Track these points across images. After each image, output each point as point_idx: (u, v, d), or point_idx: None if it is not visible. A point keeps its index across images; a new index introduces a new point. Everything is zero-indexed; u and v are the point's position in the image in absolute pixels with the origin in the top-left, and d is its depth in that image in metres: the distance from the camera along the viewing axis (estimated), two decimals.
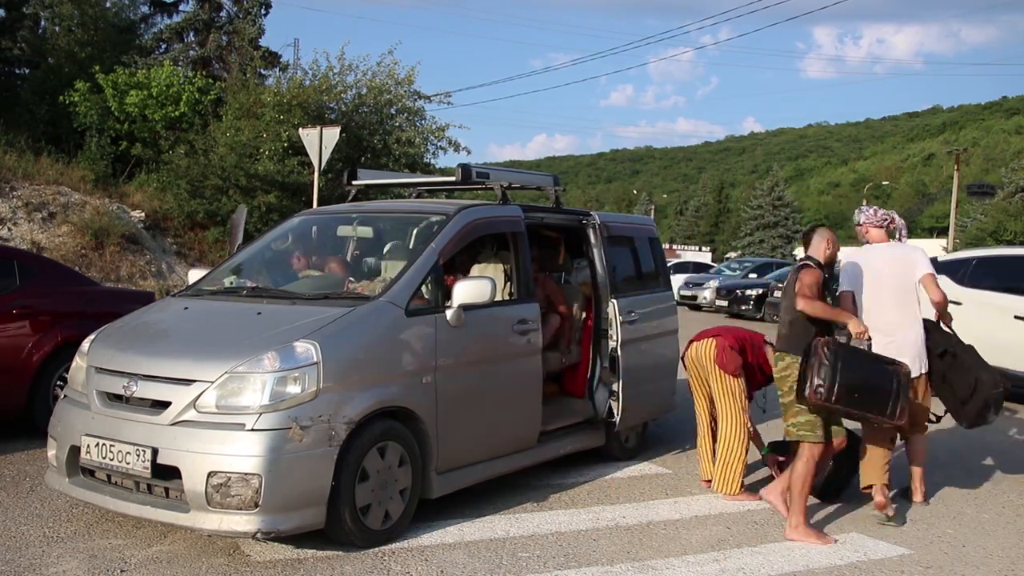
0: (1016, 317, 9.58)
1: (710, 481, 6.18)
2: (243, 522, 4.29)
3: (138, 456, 4.45)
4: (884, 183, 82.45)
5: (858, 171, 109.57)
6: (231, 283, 5.93)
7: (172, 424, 4.45)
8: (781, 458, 6.08)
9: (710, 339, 6.18)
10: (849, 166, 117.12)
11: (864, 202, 55.79)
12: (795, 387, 5.23)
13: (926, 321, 5.97)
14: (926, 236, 71.62)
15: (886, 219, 6.20)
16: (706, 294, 25.22)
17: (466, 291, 5.23)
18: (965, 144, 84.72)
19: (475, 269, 6.41)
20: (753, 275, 27.02)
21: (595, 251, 6.72)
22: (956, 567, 4.87)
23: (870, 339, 5.43)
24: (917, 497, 6.04)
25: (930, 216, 79.49)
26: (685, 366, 6.37)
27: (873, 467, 5.70)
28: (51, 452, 4.98)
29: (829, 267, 5.66)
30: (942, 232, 60.44)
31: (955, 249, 45.82)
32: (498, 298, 5.68)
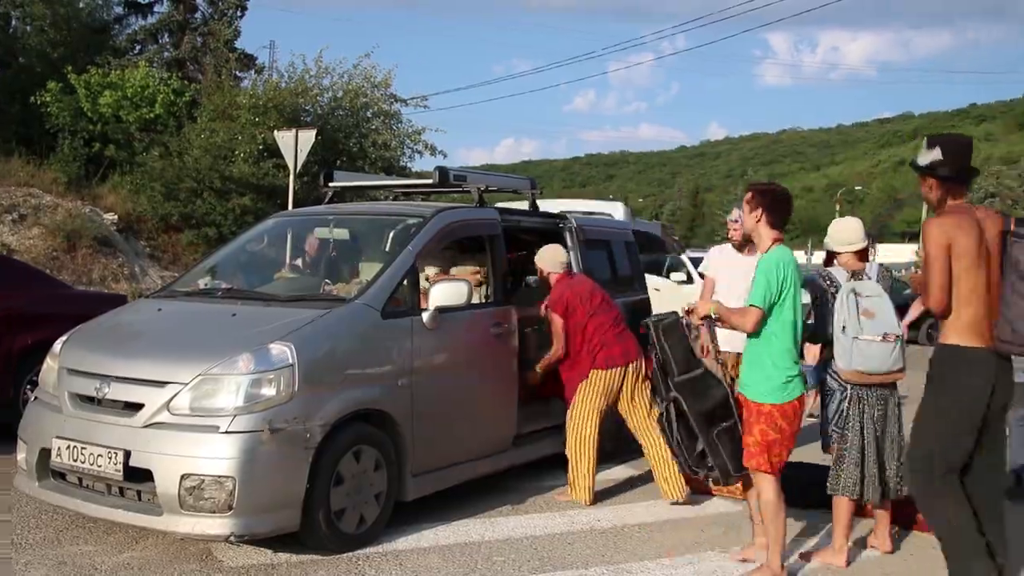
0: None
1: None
2: (216, 525, 4.25)
3: (110, 458, 4.39)
4: (856, 188, 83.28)
5: (831, 176, 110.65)
6: (206, 284, 5.88)
7: (145, 426, 4.40)
8: None
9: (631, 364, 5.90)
10: (822, 171, 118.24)
11: (837, 207, 56.05)
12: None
13: None
14: (898, 241, 72.32)
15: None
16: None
17: (442, 293, 5.21)
18: None
19: (452, 271, 6.40)
20: None
21: (571, 254, 6.72)
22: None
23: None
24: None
25: (902, 221, 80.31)
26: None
27: None
28: (20, 455, 4.91)
29: None
30: (913, 237, 61.02)
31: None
32: (475, 300, 5.68)
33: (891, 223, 78.79)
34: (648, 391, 5.85)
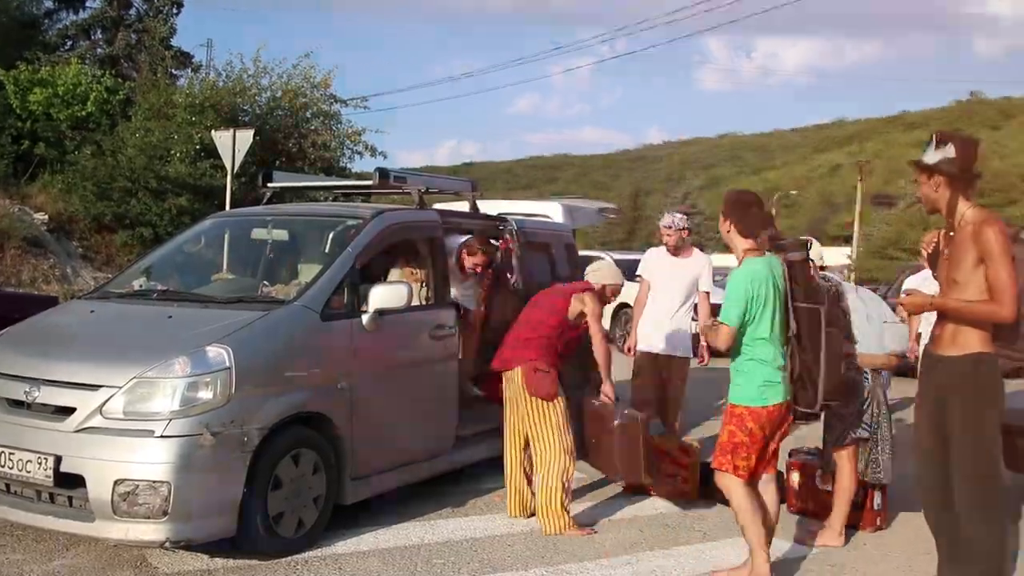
0: None
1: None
2: (151, 531, 4.19)
3: (40, 464, 4.30)
4: (793, 192, 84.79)
5: (769, 180, 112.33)
6: (141, 286, 5.78)
7: (77, 431, 4.32)
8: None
9: (516, 369, 5.50)
10: (760, 176, 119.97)
11: (774, 211, 57.26)
12: None
13: None
14: (832, 244, 73.83)
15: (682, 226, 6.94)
16: None
17: (382, 296, 5.20)
18: (869, 156, 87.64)
19: (393, 274, 6.38)
20: None
21: (512, 256, 6.75)
22: (859, 564, 5.04)
23: None
24: None
25: (836, 225, 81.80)
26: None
27: None
28: None
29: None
30: (847, 241, 62.36)
31: (859, 258, 47.40)
32: (415, 303, 5.67)
33: (826, 227, 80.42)
34: (533, 406, 5.48)
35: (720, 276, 8.44)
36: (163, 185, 17.49)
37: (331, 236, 5.90)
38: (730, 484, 4.43)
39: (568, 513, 5.39)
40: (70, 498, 4.32)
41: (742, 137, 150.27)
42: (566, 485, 5.40)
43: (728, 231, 4.51)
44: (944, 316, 3.97)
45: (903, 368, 7.02)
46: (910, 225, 48.74)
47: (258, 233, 6.40)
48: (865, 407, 5.26)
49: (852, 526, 5.51)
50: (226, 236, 6.51)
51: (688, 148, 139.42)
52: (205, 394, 4.35)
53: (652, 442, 5.78)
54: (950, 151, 3.91)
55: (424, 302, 6.02)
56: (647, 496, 6.16)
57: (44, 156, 19.06)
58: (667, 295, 6.94)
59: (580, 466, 6.82)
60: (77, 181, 17.88)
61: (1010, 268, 3.74)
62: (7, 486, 4.50)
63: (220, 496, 4.36)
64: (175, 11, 26.34)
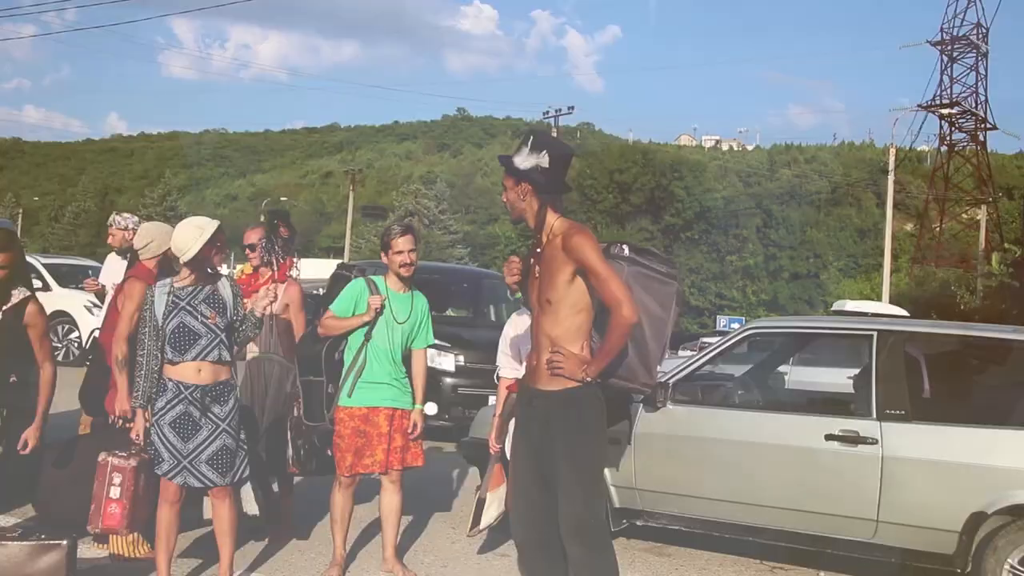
0: None
1: None
2: None
3: None
4: (283, 199, 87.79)
5: (257, 184, 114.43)
6: None
7: None
8: None
9: None
10: (248, 179, 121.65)
11: (262, 218, 59.50)
12: None
13: None
14: (323, 256, 78.43)
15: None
16: None
17: None
18: (361, 165, 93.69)
19: None
20: None
21: None
22: None
23: None
24: None
25: (327, 236, 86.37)
26: None
27: None
28: None
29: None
30: (338, 252, 66.97)
31: None
32: None
33: (318, 238, 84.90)
34: None
35: None
36: None
37: None
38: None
39: None
40: None
41: (228, 135, 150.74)
42: None
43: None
44: (538, 346, 4.02)
45: None
46: None
47: None
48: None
49: None
50: None
51: (167, 143, 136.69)
52: None
53: None
54: (544, 159, 3.92)
55: None
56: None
57: None
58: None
59: None
60: None
61: (611, 268, 3.88)
62: None
63: None
64: None
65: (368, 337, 5.49)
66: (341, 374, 5.53)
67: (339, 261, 57.40)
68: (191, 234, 4.91)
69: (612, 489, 6.25)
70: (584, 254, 3.85)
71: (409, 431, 5.59)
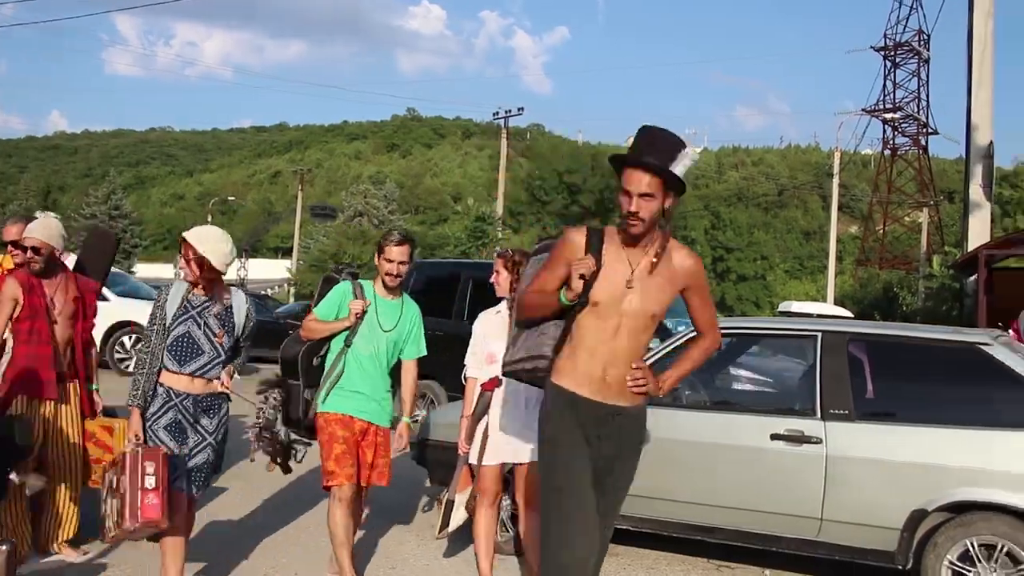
0: None
1: None
2: None
3: None
4: (231, 198, 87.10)
5: (204, 184, 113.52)
6: None
7: None
8: None
9: None
10: (195, 178, 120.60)
11: (210, 218, 58.75)
12: None
13: None
14: (272, 256, 77.95)
15: None
16: None
17: None
18: (310, 164, 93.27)
19: None
20: None
21: None
22: None
23: None
24: None
25: (276, 236, 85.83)
26: None
27: None
28: None
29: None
30: (287, 252, 66.53)
31: (299, 271, 51.22)
32: None
33: (266, 238, 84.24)
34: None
35: None
36: None
37: None
38: None
39: None
40: None
41: (175, 133, 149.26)
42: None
43: None
44: (614, 359, 3.71)
45: None
46: (349, 238, 54.07)
47: None
48: None
49: None
50: None
51: (111, 141, 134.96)
52: None
53: None
54: (687, 159, 3.60)
55: None
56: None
57: None
58: None
59: None
60: None
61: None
62: None
63: None
64: None
65: (348, 343, 5.25)
66: (320, 379, 5.31)
67: (286, 263, 56.59)
68: (228, 248, 4.73)
69: None
70: (703, 278, 3.87)
71: (395, 445, 5.43)
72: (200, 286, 4.74)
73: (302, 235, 60.29)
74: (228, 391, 4.85)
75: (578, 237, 3.71)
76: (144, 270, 58.60)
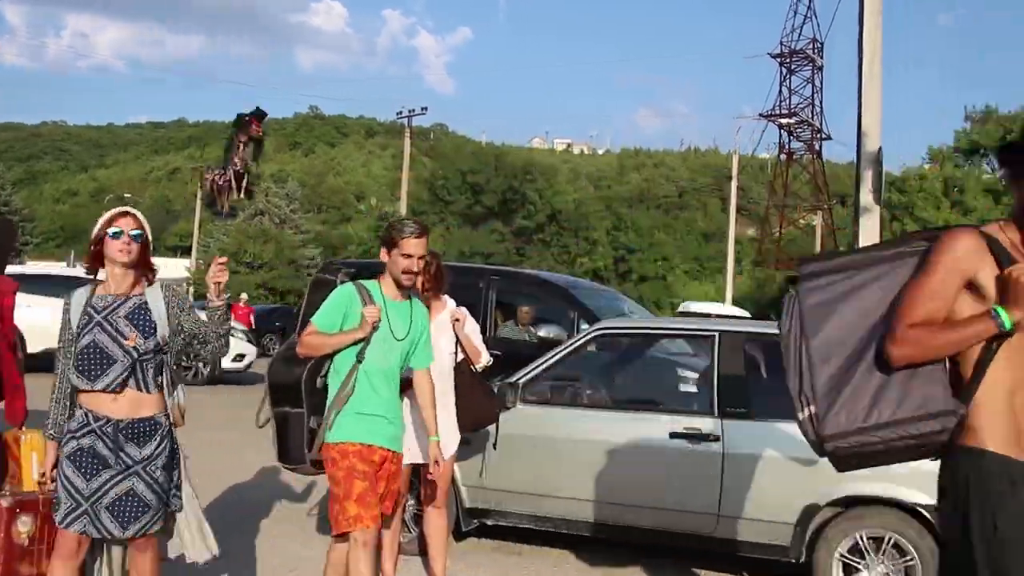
0: None
1: None
2: None
3: None
4: (127, 195, 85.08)
5: (99, 180, 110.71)
6: None
7: None
8: None
9: None
10: (90, 174, 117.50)
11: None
12: None
13: None
14: (170, 255, 76.22)
15: None
16: None
17: None
18: (210, 161, 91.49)
19: None
20: None
21: None
22: None
23: None
24: None
25: (174, 234, 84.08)
26: None
27: None
28: None
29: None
30: (186, 251, 65.14)
31: (198, 270, 50.34)
32: None
33: (164, 236, 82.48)
34: None
35: None
36: None
37: None
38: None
39: None
40: None
41: (68, 128, 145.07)
42: None
43: None
44: None
45: None
46: (249, 237, 53.27)
47: None
48: None
49: None
50: None
51: (2, 134, 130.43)
52: None
53: None
54: None
55: None
56: None
57: None
58: None
59: None
60: None
61: None
62: None
63: None
64: None
65: (360, 358, 4.42)
66: (325, 404, 4.51)
67: (185, 262, 55.40)
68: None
69: (463, 489, 6.30)
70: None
71: (431, 473, 4.92)
72: (104, 284, 3.98)
73: (202, 233, 59.13)
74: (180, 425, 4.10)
75: (971, 241, 2.69)
76: (35, 268, 56.62)
